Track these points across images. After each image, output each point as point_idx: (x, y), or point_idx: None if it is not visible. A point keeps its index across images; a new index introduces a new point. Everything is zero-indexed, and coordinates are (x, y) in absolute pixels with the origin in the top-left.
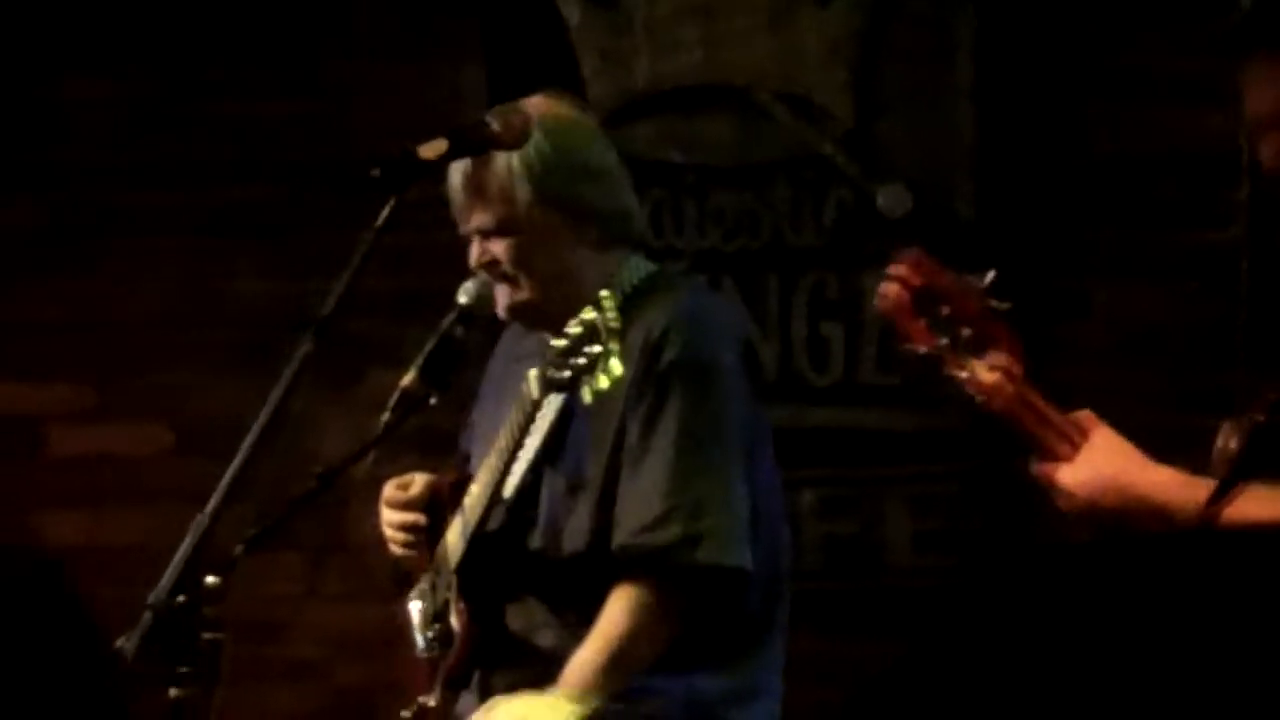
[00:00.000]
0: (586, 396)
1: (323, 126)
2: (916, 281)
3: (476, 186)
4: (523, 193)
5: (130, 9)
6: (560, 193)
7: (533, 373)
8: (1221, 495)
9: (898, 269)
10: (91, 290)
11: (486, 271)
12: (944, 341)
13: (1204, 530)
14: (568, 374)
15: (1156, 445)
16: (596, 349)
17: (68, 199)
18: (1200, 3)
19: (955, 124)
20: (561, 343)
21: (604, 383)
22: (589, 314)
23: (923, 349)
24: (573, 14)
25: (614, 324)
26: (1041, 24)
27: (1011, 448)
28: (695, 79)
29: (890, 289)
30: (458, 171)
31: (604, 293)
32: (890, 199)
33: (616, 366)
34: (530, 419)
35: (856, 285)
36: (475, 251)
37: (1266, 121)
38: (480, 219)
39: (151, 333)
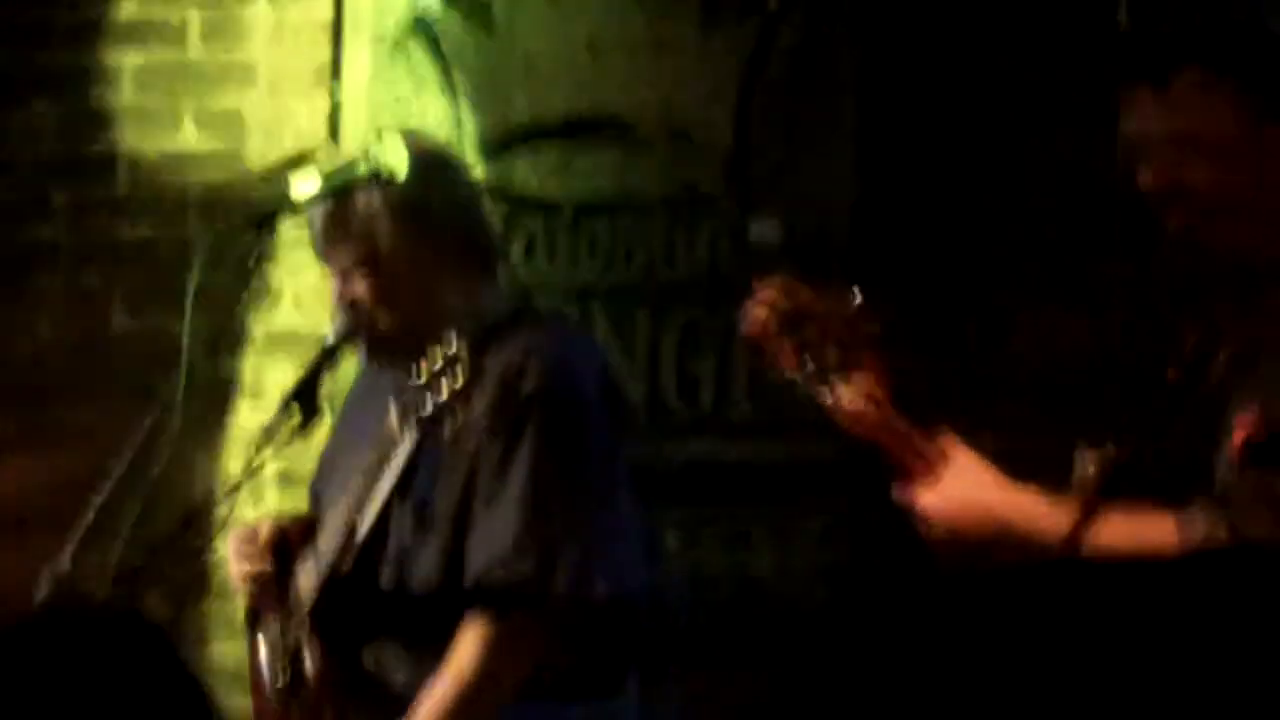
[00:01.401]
0: (444, 428)
1: (206, 159)
2: (783, 304)
3: (338, 223)
4: (384, 227)
5: (16, 44)
6: (422, 225)
7: (392, 408)
8: (1083, 524)
9: (764, 293)
10: None
11: (348, 310)
12: (810, 366)
13: (1070, 560)
14: (429, 410)
15: (1035, 473)
16: (456, 382)
17: None
18: (1084, 24)
19: (834, 154)
20: (421, 379)
21: (462, 413)
22: (448, 348)
23: (788, 373)
24: (450, 45)
25: (473, 355)
26: (924, 49)
27: (881, 479)
28: (576, 111)
29: (757, 312)
30: (319, 210)
31: (467, 325)
32: (763, 231)
33: (476, 400)
34: (389, 452)
35: (728, 320)
36: (336, 289)
37: (1140, 147)
38: (342, 256)
39: (27, 371)
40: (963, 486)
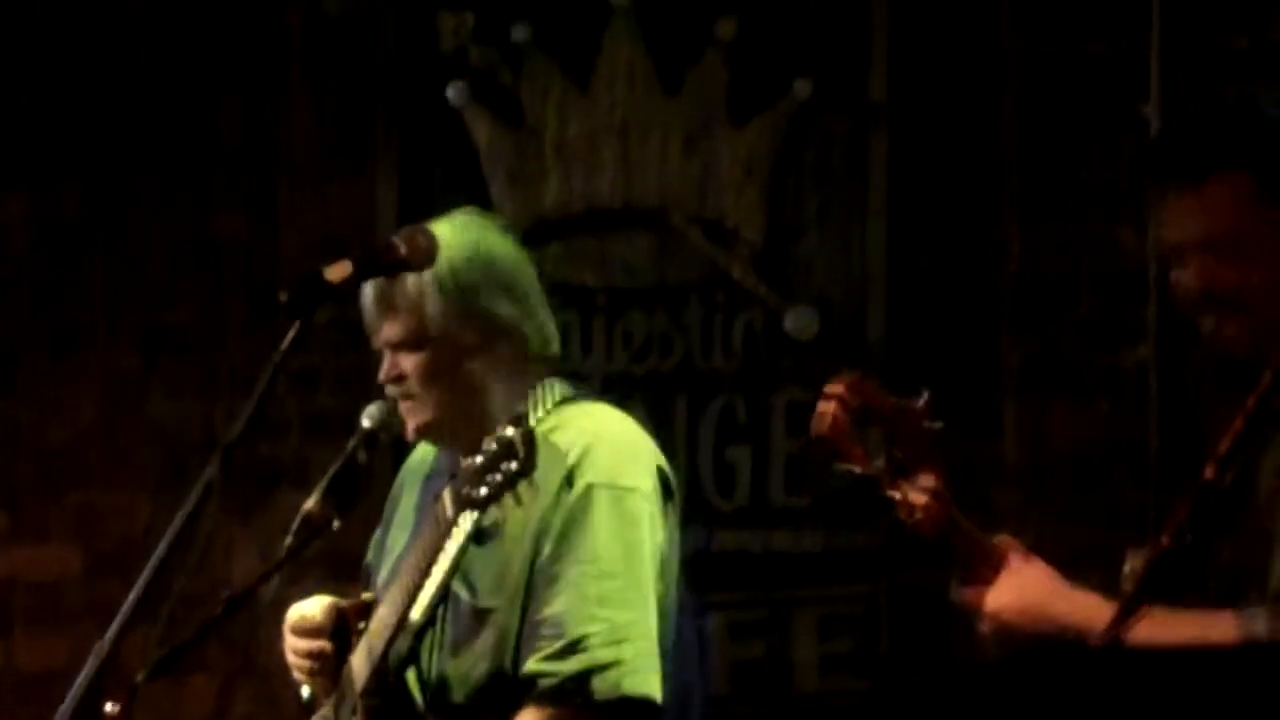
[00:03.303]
0: (500, 516)
1: (243, 247)
2: (854, 402)
3: (387, 299)
4: (433, 306)
5: (52, 127)
6: (472, 307)
7: (447, 491)
8: (1125, 617)
9: (835, 389)
10: (4, 411)
11: (393, 387)
12: (880, 463)
13: (1108, 650)
14: (483, 492)
15: (1069, 563)
16: (513, 466)
17: None
18: (1111, 120)
19: (867, 243)
20: (477, 460)
21: (519, 501)
22: (507, 431)
23: (859, 470)
24: (481, 135)
25: (531, 441)
26: (953, 143)
27: (918, 568)
28: (608, 200)
29: (828, 409)
30: (370, 284)
31: (522, 410)
32: (798, 321)
33: (532, 484)
34: (444, 538)
35: (764, 408)
36: (385, 366)
37: (1175, 252)
38: (389, 331)
39: (65, 454)
40: (1024, 586)
